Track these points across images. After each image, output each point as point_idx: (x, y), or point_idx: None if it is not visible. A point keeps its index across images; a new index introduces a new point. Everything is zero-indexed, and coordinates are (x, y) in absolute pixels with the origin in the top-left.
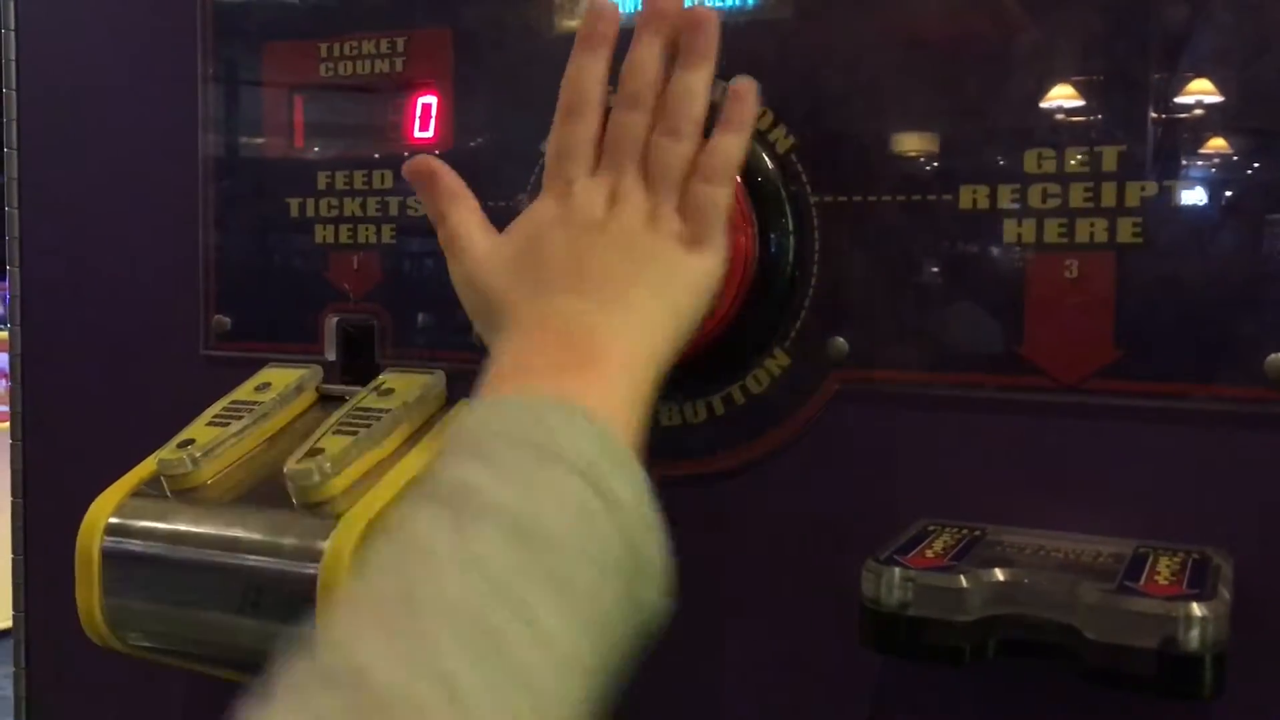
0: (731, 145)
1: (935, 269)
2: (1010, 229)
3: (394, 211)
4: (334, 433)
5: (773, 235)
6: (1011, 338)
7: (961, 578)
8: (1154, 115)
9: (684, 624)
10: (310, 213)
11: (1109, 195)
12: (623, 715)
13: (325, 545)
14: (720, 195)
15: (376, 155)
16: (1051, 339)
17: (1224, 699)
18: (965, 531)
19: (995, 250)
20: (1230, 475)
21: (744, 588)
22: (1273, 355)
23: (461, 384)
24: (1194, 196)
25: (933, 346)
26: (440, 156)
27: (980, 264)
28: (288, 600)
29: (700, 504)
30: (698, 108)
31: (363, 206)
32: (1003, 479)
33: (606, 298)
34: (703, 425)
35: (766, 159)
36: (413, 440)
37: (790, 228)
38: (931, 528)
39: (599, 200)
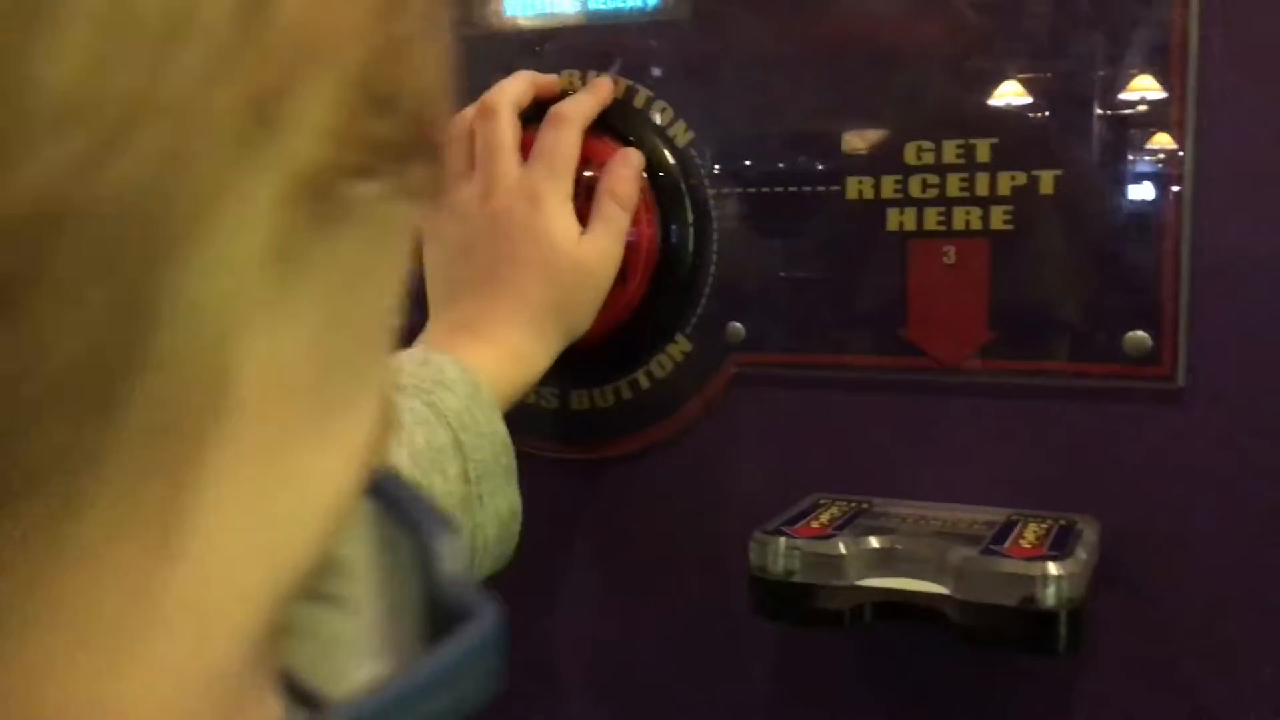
0: (556, 138)
1: (825, 256)
2: (893, 218)
3: None
4: None
5: (674, 227)
6: (895, 321)
7: (840, 544)
8: (1023, 108)
9: (597, 598)
10: None
11: (983, 185)
12: (532, 681)
13: None
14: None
15: None
16: (931, 322)
17: (1094, 656)
18: (854, 504)
19: (879, 238)
20: (1096, 446)
21: (652, 563)
22: (1129, 333)
23: None
24: (1059, 185)
25: (823, 330)
26: None
27: (866, 251)
28: None
29: (610, 485)
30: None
31: None
32: (890, 454)
33: (494, 290)
34: (611, 409)
35: (667, 154)
36: None
37: (690, 219)
38: (823, 501)
39: (476, 190)
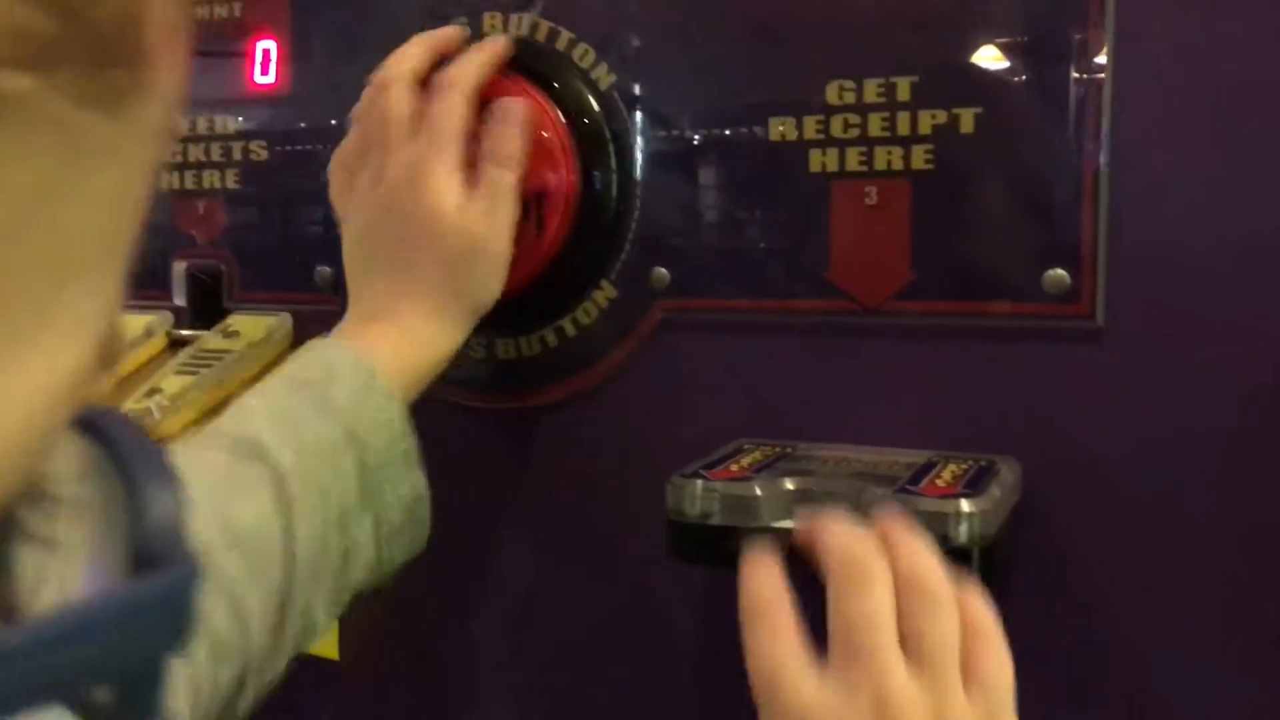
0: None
1: (748, 200)
2: (815, 159)
3: (238, 156)
4: (175, 373)
5: (596, 173)
6: (818, 264)
7: (756, 486)
8: (943, 44)
9: (524, 546)
10: None
11: (904, 124)
12: (457, 629)
13: None
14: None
15: (219, 100)
16: (854, 263)
17: (1011, 595)
18: (778, 449)
19: (802, 180)
20: (1018, 386)
21: (579, 511)
22: (1049, 270)
23: (308, 325)
24: (979, 123)
25: (747, 274)
26: (280, 101)
27: (789, 194)
28: None
29: (538, 434)
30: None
31: (206, 152)
32: (816, 398)
33: (393, 274)
34: (537, 359)
35: (590, 98)
36: (258, 379)
37: (613, 164)
38: (747, 446)
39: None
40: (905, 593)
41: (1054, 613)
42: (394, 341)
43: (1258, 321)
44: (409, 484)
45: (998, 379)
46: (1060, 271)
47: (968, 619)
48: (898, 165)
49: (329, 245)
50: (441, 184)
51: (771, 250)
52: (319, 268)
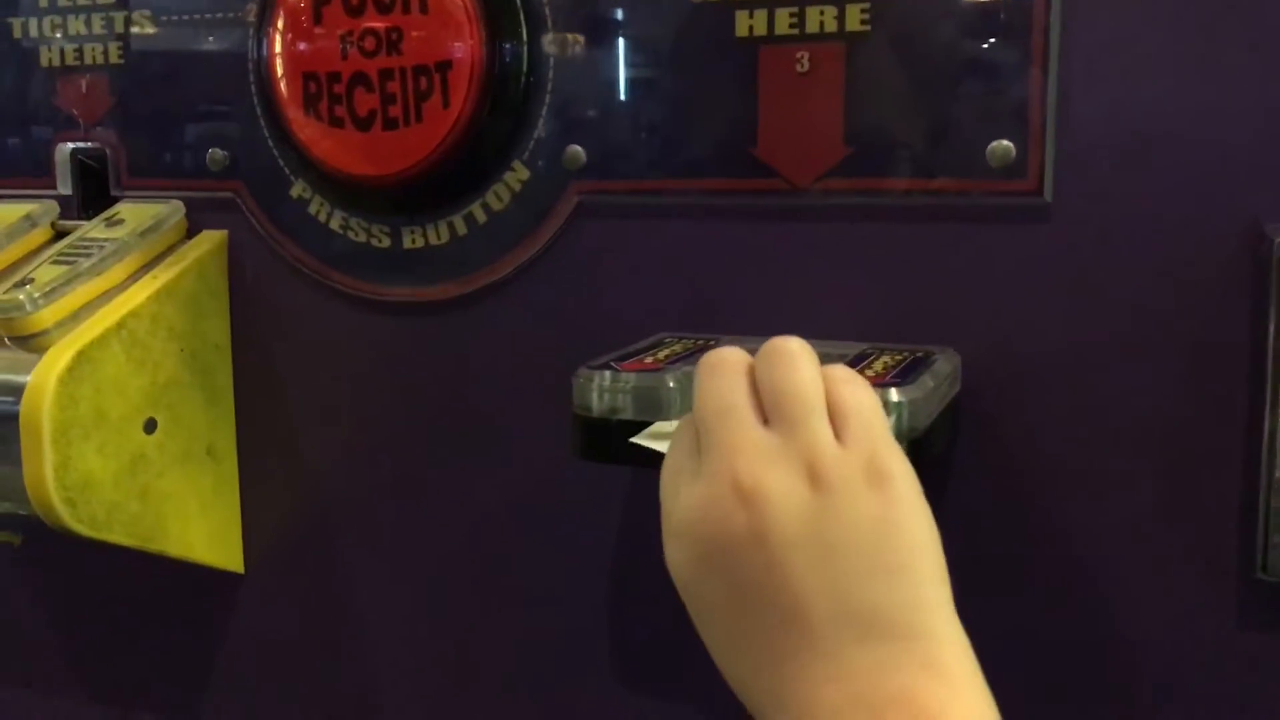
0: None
1: (670, 69)
2: (742, 21)
3: (120, 28)
4: (51, 263)
5: (507, 45)
6: (745, 139)
7: (669, 378)
8: None
9: (434, 446)
10: (34, 33)
11: None
12: (353, 537)
13: (27, 380)
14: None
15: None
16: (784, 138)
17: (954, 479)
18: (700, 341)
19: (728, 45)
20: (960, 270)
21: (491, 408)
22: (993, 142)
23: (202, 212)
24: None
25: (669, 152)
26: None
27: (714, 61)
28: None
29: (448, 327)
30: None
31: (88, 24)
32: (743, 287)
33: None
34: (447, 247)
35: None
36: (145, 271)
37: (524, 34)
38: (668, 339)
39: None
40: (760, 360)
41: (995, 505)
42: None
43: (1216, 195)
44: None
45: (938, 263)
46: (1005, 143)
47: (825, 372)
48: (831, 27)
49: (222, 125)
50: None
51: (695, 125)
52: (211, 150)
